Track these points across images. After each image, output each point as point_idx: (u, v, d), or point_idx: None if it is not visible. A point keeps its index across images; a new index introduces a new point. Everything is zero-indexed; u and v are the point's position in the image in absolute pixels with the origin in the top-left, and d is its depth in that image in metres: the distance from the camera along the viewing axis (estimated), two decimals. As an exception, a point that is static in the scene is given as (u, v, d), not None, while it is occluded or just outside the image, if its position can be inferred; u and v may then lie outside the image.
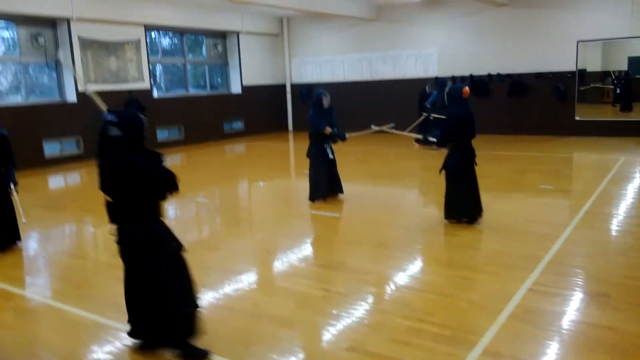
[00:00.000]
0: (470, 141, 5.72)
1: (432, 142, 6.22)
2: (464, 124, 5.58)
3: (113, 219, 3.16)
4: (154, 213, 3.18)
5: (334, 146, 7.20)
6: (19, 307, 4.25)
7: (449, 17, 14.17)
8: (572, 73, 12.79)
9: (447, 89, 5.74)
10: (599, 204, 6.58)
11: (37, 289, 4.68)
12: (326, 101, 6.95)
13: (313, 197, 7.15)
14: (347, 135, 7.18)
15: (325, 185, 7.13)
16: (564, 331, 3.44)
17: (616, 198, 6.96)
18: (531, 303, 3.84)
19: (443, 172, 5.83)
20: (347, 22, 15.63)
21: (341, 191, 7.32)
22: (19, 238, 5.55)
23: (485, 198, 6.01)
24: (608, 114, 13.83)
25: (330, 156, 7.07)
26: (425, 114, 12.30)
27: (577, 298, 3.96)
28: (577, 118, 12.95)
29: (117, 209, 3.13)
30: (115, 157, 3.03)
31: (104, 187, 3.09)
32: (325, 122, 6.93)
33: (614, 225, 5.85)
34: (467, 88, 5.60)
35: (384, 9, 15.13)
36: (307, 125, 7.20)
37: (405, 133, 8.33)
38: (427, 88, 12.60)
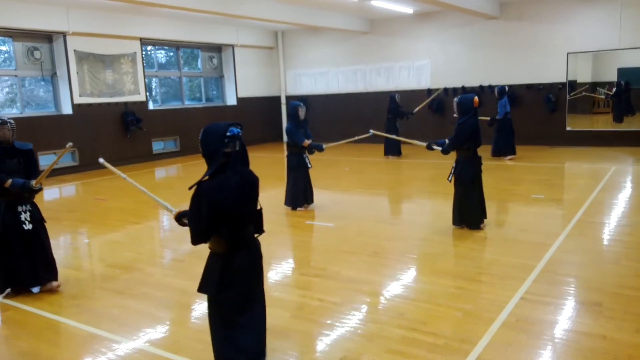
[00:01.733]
0: (476, 149, 5.98)
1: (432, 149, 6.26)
2: (475, 133, 5.85)
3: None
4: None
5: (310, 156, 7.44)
6: (13, 319, 4.24)
7: (441, 29, 14.34)
8: (563, 84, 12.95)
9: (456, 99, 5.93)
10: (590, 213, 6.64)
11: (32, 300, 4.67)
12: (302, 113, 7.17)
13: (295, 205, 7.44)
14: (324, 146, 7.38)
15: (303, 194, 7.43)
16: (556, 340, 3.47)
17: (607, 207, 7.03)
18: (524, 312, 3.88)
19: (452, 181, 6.05)
20: (341, 35, 15.78)
21: (312, 201, 7.58)
22: (55, 278, 4.82)
23: (479, 208, 6.06)
24: (599, 124, 13.97)
25: (309, 166, 7.37)
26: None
27: (569, 307, 4.00)
28: (568, 128, 13.09)
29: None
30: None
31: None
32: (302, 134, 7.18)
33: (606, 234, 5.91)
34: (476, 97, 5.89)
35: (376, 22, 15.30)
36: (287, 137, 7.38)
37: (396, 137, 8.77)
38: (396, 97, 12.68)
